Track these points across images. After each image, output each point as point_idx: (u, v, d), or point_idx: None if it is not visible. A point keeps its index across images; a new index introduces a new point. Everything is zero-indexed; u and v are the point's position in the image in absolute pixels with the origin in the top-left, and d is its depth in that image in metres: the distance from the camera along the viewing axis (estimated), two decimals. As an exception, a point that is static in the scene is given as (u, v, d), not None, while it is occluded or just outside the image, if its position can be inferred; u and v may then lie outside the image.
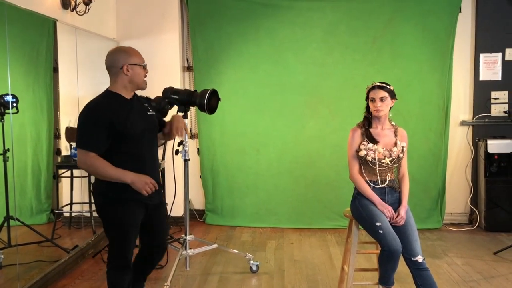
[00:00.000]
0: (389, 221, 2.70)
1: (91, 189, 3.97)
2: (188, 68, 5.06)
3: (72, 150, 3.87)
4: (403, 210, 2.76)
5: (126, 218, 2.47)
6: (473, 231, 4.74)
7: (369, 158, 2.79)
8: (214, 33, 4.86)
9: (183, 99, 3.38)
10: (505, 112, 4.79)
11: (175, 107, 3.40)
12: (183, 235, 3.54)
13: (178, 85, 4.85)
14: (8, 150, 3.07)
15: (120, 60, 2.44)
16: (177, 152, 3.39)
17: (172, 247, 3.73)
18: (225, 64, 4.89)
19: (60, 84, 3.83)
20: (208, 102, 3.35)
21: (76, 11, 3.88)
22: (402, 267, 2.72)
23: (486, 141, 4.67)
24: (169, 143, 3.80)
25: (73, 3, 3.82)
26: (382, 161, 2.80)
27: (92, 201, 3.80)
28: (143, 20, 4.87)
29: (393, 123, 2.93)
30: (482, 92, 4.83)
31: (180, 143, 3.37)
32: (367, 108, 2.88)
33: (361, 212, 2.79)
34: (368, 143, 2.81)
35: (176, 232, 4.58)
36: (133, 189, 2.41)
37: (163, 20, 4.88)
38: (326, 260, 3.95)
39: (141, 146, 2.51)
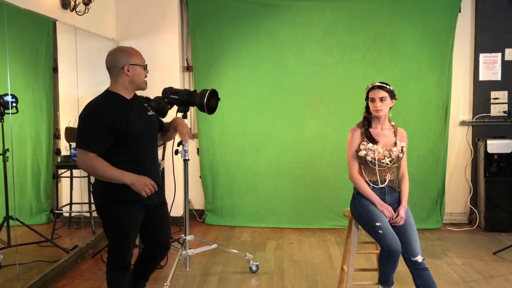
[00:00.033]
0: (389, 221, 2.70)
1: (91, 189, 3.97)
2: (188, 68, 5.05)
3: (72, 150, 3.87)
4: (402, 210, 2.76)
5: (126, 219, 2.47)
6: (472, 231, 4.74)
7: (368, 158, 2.79)
8: (214, 33, 4.86)
9: (183, 99, 3.38)
10: (504, 112, 4.79)
11: (175, 107, 3.40)
12: (183, 235, 3.54)
13: (177, 85, 4.84)
14: (7, 150, 3.06)
15: (121, 60, 2.44)
16: (176, 152, 3.39)
17: (171, 247, 3.71)
18: (225, 64, 4.89)
19: (59, 84, 3.83)
20: (207, 102, 3.35)
21: (76, 11, 3.88)
22: (402, 267, 2.72)
23: (486, 141, 4.67)
24: (169, 143, 3.79)
25: (72, 3, 3.81)
26: (381, 161, 2.80)
27: (92, 201, 3.82)
28: (142, 20, 4.86)
29: (392, 123, 2.93)
30: (481, 92, 4.83)
31: (179, 143, 3.37)
32: (367, 108, 2.88)
33: (360, 212, 2.79)
34: (368, 143, 2.81)
35: (175, 232, 4.57)
36: (133, 190, 2.41)
37: (162, 20, 4.88)
38: (325, 260, 3.95)
39: (141, 146, 2.51)
